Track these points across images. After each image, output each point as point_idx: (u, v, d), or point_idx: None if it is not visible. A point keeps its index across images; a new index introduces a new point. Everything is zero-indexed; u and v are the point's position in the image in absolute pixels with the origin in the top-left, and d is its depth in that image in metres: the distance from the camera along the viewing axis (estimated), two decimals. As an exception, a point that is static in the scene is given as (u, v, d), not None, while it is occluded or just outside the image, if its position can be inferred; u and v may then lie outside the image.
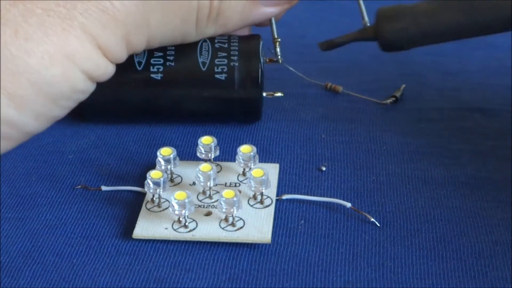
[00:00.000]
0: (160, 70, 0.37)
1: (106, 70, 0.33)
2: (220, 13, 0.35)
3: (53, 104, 0.31)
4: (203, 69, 0.38)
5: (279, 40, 0.40)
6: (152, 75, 0.38)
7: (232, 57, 0.38)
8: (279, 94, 0.41)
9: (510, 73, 0.44)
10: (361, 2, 0.41)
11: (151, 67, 0.37)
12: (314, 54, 0.47)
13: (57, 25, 0.30)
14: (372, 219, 0.34)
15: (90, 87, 0.33)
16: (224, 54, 0.38)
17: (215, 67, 0.38)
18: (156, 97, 0.38)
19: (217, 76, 0.38)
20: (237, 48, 0.38)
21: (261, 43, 0.39)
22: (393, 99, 0.42)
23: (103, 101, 0.38)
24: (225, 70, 0.38)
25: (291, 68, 0.42)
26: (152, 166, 0.36)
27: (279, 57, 0.40)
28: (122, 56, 0.33)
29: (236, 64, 0.38)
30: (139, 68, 0.38)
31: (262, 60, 0.39)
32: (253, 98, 0.38)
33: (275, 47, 0.40)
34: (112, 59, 0.33)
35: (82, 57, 0.31)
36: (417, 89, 0.44)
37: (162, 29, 0.34)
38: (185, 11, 0.34)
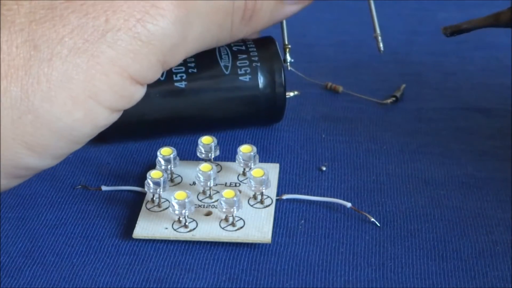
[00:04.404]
0: (184, 78, 0.37)
1: (136, 96, 0.31)
2: (253, 14, 0.34)
3: (73, 144, 0.30)
4: (226, 73, 0.37)
5: (290, 46, 0.40)
6: (176, 84, 0.37)
7: (253, 58, 0.38)
8: (295, 92, 0.41)
9: (510, 73, 0.44)
10: (374, 13, 0.40)
11: (174, 76, 0.37)
12: (314, 54, 0.47)
13: (83, 64, 0.28)
14: (372, 219, 0.34)
15: (115, 118, 0.31)
16: (244, 56, 0.38)
17: (238, 69, 0.37)
18: (182, 106, 0.37)
19: (241, 78, 0.37)
20: (255, 49, 0.38)
21: (276, 42, 0.39)
22: (393, 99, 0.42)
23: (127, 120, 0.35)
24: (248, 71, 0.38)
25: (291, 68, 0.42)
26: (152, 165, 0.36)
27: (288, 63, 0.40)
28: (155, 77, 0.31)
29: (258, 64, 0.38)
30: (161, 78, 0.36)
31: (282, 59, 0.39)
32: (279, 96, 0.38)
33: (285, 53, 0.40)
34: (144, 82, 0.31)
35: (108, 93, 0.29)
36: (417, 89, 0.44)
37: (200, 40, 0.32)
38: (222, 16, 0.32)
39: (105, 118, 0.30)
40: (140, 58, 0.29)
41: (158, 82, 0.35)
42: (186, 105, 0.38)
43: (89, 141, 0.39)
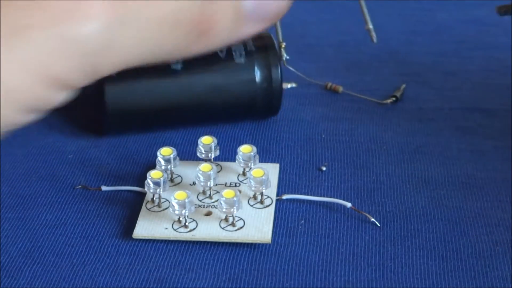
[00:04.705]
0: (179, 60, 0.37)
1: (55, 99, 0.28)
2: (209, 30, 0.31)
3: None
4: (221, 55, 0.38)
5: (284, 44, 0.40)
6: (172, 66, 0.37)
7: (247, 43, 0.38)
8: (293, 84, 0.41)
9: (510, 73, 0.44)
10: (364, 6, 0.40)
11: None
12: (314, 54, 0.47)
13: None
14: (372, 219, 0.34)
15: (31, 119, 0.28)
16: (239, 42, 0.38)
17: (233, 52, 0.38)
18: (178, 90, 0.38)
19: (236, 60, 0.38)
20: (250, 39, 0.38)
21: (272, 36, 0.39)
22: (393, 99, 0.42)
23: (126, 109, 0.37)
24: (243, 53, 0.38)
25: (291, 68, 0.42)
26: (152, 166, 0.36)
27: (284, 59, 0.40)
28: (81, 82, 0.28)
29: (253, 48, 0.38)
30: None
31: (277, 45, 0.39)
32: (275, 83, 0.38)
33: (280, 50, 0.40)
34: (66, 86, 0.28)
35: (22, 94, 0.27)
36: (417, 89, 0.44)
37: (139, 50, 0.29)
38: (168, 28, 0.30)
39: (17, 118, 0.28)
40: (62, 60, 0.27)
41: (154, 65, 0.35)
42: (182, 89, 0.38)
43: (89, 140, 0.39)
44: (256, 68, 0.38)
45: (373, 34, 0.40)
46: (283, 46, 0.40)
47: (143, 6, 0.28)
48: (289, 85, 0.41)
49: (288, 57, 0.40)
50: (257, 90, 0.38)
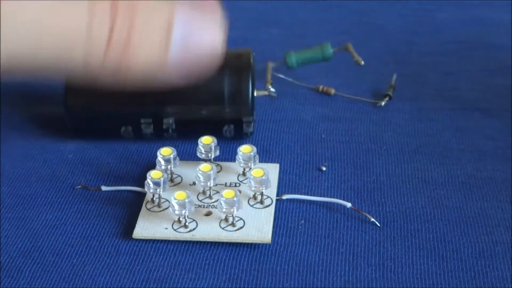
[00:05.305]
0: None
1: None
2: (122, 65, 0.29)
3: None
4: None
5: (271, 81, 0.41)
6: None
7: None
8: (272, 95, 0.41)
9: (510, 73, 0.44)
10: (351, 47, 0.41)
11: None
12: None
13: None
14: (372, 219, 0.34)
15: None
16: None
17: None
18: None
19: None
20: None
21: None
22: (387, 98, 0.42)
23: (86, 115, 0.38)
24: None
25: (282, 76, 0.42)
26: (152, 166, 0.36)
27: (270, 92, 0.41)
28: None
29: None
30: None
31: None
32: (244, 67, 0.37)
33: (266, 86, 0.41)
34: None
35: None
36: (417, 89, 0.44)
37: (23, 55, 0.28)
38: (62, 41, 0.28)
39: None
40: None
41: None
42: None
43: (89, 140, 0.39)
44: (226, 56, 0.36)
45: (360, 59, 0.41)
46: (270, 83, 0.41)
47: (28, 7, 0.26)
48: (266, 92, 0.41)
49: (274, 90, 0.41)
50: (225, 77, 0.37)
